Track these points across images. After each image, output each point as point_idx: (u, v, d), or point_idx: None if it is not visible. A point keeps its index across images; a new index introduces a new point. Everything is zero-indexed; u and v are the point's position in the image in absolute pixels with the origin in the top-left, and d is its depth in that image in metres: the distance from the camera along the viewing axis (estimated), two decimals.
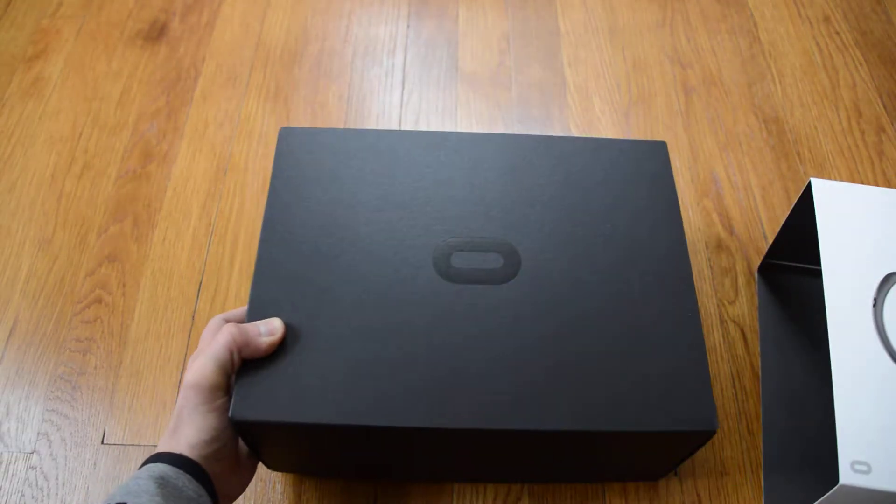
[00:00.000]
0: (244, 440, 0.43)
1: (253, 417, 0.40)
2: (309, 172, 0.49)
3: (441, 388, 0.40)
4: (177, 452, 0.38)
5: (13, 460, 0.53)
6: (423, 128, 0.73)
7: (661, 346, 0.42)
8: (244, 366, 0.41)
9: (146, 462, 0.39)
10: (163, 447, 0.39)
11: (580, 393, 0.41)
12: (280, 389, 0.40)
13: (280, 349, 0.41)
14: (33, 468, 0.53)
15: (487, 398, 0.40)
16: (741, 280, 0.62)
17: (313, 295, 0.43)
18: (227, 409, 0.40)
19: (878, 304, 0.46)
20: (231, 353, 0.40)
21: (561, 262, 0.45)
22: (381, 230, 0.46)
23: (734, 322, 0.60)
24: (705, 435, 0.41)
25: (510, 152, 0.50)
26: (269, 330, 0.41)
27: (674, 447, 0.44)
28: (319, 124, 0.73)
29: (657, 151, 0.51)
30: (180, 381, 0.57)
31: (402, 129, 0.73)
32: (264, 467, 0.51)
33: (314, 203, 0.47)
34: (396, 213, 0.47)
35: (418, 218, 0.47)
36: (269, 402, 0.40)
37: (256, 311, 0.43)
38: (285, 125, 0.73)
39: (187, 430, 0.39)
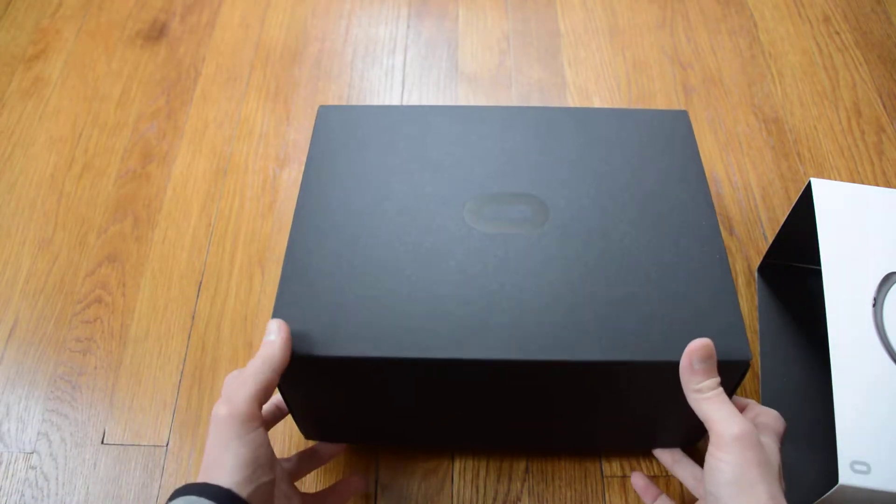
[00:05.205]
0: (282, 391, 0.44)
1: (296, 352, 0.41)
2: (345, 141, 0.51)
3: (475, 324, 0.42)
4: (219, 485, 0.34)
5: (13, 460, 0.53)
6: None
7: (690, 284, 0.43)
8: (285, 311, 0.42)
9: (177, 493, 0.35)
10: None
11: (613, 327, 0.42)
12: (320, 329, 0.42)
13: (317, 293, 0.43)
14: (33, 468, 0.53)
15: (520, 332, 0.41)
16: (741, 280, 0.62)
17: (347, 242, 0.45)
18: (264, 440, 0.37)
19: (878, 304, 0.46)
20: (266, 374, 0.38)
21: (588, 211, 0.47)
22: (413, 187, 0.48)
23: None
24: (739, 366, 0.41)
25: (537, 122, 0.52)
26: (269, 330, 0.41)
27: None
28: None
29: (679, 119, 0.53)
30: (180, 382, 0.57)
31: None
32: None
33: (349, 166, 0.50)
34: (428, 174, 0.49)
35: (449, 177, 0.49)
36: (309, 340, 0.41)
37: (293, 259, 0.45)
38: (285, 125, 0.73)
39: (228, 463, 0.35)
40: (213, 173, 0.69)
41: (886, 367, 0.43)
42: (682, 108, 0.74)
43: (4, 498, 0.51)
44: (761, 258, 0.62)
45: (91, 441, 0.54)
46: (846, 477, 0.40)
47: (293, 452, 0.50)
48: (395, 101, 0.75)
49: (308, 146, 0.53)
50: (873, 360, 0.44)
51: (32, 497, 0.51)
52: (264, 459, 0.37)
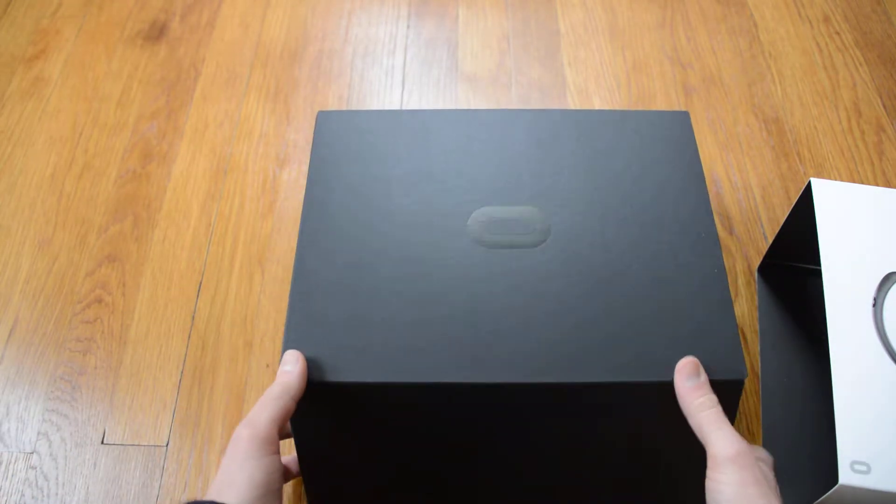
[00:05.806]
0: (294, 431, 0.44)
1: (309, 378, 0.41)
2: (346, 151, 0.51)
3: (478, 346, 0.42)
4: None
5: (13, 460, 0.53)
6: None
7: (688, 300, 0.43)
8: (295, 337, 0.42)
9: None
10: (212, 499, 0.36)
11: (613, 347, 0.42)
12: (325, 355, 0.42)
13: (325, 320, 0.43)
14: (33, 468, 0.53)
15: (524, 356, 0.42)
16: (741, 280, 0.62)
17: (353, 262, 0.46)
18: (278, 466, 0.38)
19: (878, 304, 0.46)
20: (284, 401, 0.39)
21: (589, 224, 0.47)
22: (416, 201, 0.48)
23: None
24: (733, 385, 0.41)
25: (538, 126, 0.52)
26: (285, 360, 0.41)
27: None
28: None
29: (680, 120, 0.53)
30: (180, 382, 0.57)
31: None
32: None
33: (351, 179, 0.50)
34: (430, 186, 0.49)
35: (451, 189, 0.49)
36: (317, 366, 0.41)
37: (300, 280, 0.45)
38: (285, 125, 0.73)
39: (240, 482, 0.36)
40: (213, 173, 0.69)
41: (886, 367, 0.43)
42: (683, 107, 0.74)
43: (4, 498, 0.51)
44: (761, 258, 0.62)
45: (91, 441, 0.54)
46: (846, 477, 0.40)
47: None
48: (395, 101, 0.75)
49: (308, 146, 0.53)
50: (873, 360, 0.44)
51: (32, 497, 0.51)
52: (276, 486, 0.38)
